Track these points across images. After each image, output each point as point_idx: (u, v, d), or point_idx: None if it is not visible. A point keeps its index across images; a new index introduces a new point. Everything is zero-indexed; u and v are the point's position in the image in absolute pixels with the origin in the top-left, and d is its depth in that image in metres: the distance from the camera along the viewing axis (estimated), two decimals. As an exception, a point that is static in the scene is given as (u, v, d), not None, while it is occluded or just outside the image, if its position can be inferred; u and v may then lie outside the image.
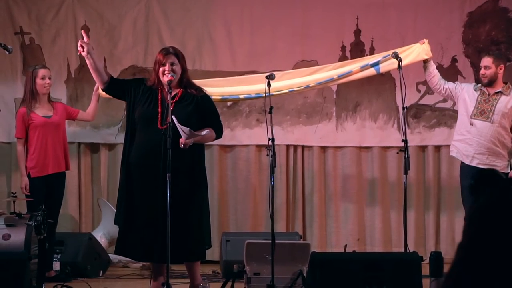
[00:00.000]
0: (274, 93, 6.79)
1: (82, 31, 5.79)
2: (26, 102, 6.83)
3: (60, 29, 8.01)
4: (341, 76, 6.99)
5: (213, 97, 6.20)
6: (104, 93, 7.06)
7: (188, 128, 5.38)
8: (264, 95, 5.96)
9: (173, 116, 5.38)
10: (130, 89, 5.76)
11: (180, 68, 5.74)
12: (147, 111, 5.64)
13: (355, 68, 6.96)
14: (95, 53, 5.91)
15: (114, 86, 5.84)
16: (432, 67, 6.93)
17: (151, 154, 5.49)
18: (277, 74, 6.57)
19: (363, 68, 6.94)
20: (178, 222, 5.44)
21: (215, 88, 6.81)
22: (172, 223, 5.34)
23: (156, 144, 5.44)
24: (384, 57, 6.87)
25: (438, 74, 6.96)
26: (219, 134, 5.82)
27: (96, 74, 5.75)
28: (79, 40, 5.66)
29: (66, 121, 7.16)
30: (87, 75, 7.95)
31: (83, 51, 5.63)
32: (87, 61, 5.71)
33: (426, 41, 6.84)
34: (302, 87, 7.08)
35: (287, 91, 7.05)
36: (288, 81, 7.04)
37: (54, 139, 6.85)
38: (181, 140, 5.40)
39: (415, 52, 6.84)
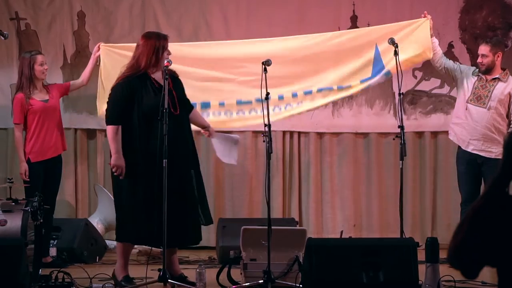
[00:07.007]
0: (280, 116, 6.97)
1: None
2: (24, 88, 6.79)
3: (56, 14, 7.97)
4: (340, 88, 6.96)
5: (226, 102, 6.93)
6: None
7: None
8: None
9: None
10: (130, 96, 5.81)
11: None
12: (155, 102, 5.68)
13: (354, 83, 6.91)
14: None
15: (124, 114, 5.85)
16: (434, 44, 6.89)
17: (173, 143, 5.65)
18: (277, 40, 6.80)
19: (363, 82, 6.90)
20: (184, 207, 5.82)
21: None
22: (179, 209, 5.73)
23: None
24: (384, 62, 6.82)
25: (440, 51, 6.94)
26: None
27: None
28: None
29: (62, 106, 7.15)
30: (83, 61, 7.94)
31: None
32: None
33: (429, 17, 6.77)
34: (303, 92, 7.02)
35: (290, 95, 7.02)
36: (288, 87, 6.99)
37: (52, 122, 6.86)
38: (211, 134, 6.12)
39: (422, 35, 6.75)
